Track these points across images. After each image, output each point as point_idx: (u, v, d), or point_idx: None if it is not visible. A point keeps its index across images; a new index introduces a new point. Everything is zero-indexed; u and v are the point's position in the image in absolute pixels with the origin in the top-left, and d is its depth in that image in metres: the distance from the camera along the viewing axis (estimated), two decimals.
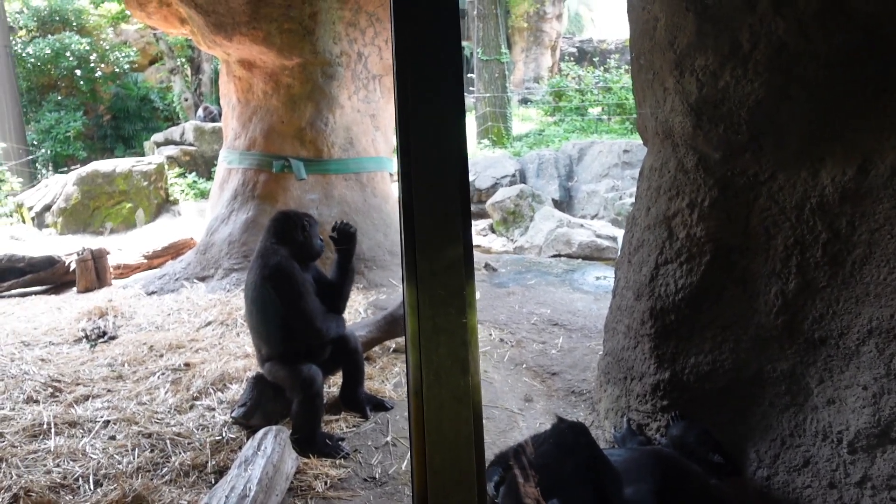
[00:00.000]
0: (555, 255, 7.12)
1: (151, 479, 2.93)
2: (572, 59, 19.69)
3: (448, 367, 1.41)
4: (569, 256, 7.03)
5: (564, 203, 9.38)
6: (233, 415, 3.38)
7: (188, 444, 3.23)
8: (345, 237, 3.46)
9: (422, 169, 1.44)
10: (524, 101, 17.05)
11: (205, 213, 7.36)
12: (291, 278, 3.27)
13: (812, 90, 2.36)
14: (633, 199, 8.26)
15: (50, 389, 3.70)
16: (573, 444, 1.98)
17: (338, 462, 3.15)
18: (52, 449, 3.10)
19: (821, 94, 2.36)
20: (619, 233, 7.65)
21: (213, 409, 3.54)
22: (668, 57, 2.71)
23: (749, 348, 2.71)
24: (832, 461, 2.43)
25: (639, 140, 10.07)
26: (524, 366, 4.19)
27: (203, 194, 10.12)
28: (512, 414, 3.63)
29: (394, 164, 7.23)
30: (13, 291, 5.78)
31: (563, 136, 12.33)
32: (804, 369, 2.56)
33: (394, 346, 4.37)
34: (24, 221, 9.95)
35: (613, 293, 3.48)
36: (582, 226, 7.52)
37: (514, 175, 9.75)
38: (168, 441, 3.22)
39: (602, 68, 15.43)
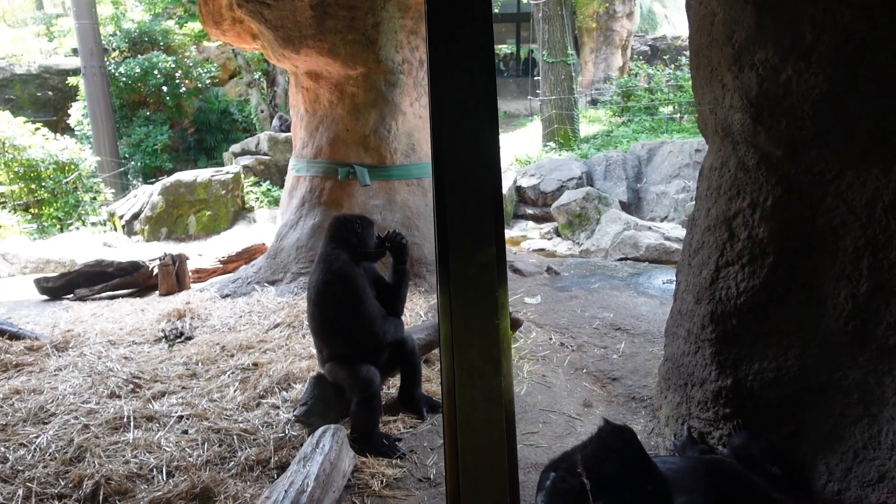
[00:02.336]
0: (621, 259, 6.97)
1: (218, 473, 3.08)
2: (644, 57, 19.21)
3: (480, 369, 1.42)
4: (636, 260, 6.86)
5: (632, 205, 9.15)
6: (294, 413, 3.50)
7: (253, 440, 3.37)
8: (396, 246, 3.53)
9: (454, 172, 1.46)
10: (593, 103, 16.77)
11: (277, 220, 7.65)
12: (351, 283, 3.36)
13: (882, 82, 2.23)
14: None
15: (131, 385, 3.95)
16: (617, 447, 1.94)
17: (394, 462, 3.21)
18: (130, 441, 3.31)
19: (892, 86, 2.22)
20: None
21: (278, 408, 3.68)
22: (726, 52, 2.62)
23: (817, 355, 2.58)
24: None
25: None
26: (584, 370, 4.13)
27: (276, 201, 10.53)
28: (570, 419, 3.59)
29: None
30: (103, 294, 6.21)
31: (632, 136, 12.04)
32: (878, 378, 2.41)
33: None
34: (115, 229, 10.67)
35: (675, 297, 3.39)
36: (650, 228, 7.32)
37: (580, 177, 9.61)
38: (235, 437, 3.38)
39: (673, 66, 14.96)
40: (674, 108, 13.23)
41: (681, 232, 7.39)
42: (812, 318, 2.58)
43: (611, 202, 8.37)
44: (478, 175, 1.47)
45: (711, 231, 2.88)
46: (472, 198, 1.46)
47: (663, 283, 5.66)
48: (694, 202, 8.00)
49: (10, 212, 10.73)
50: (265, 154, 12.12)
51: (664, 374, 3.35)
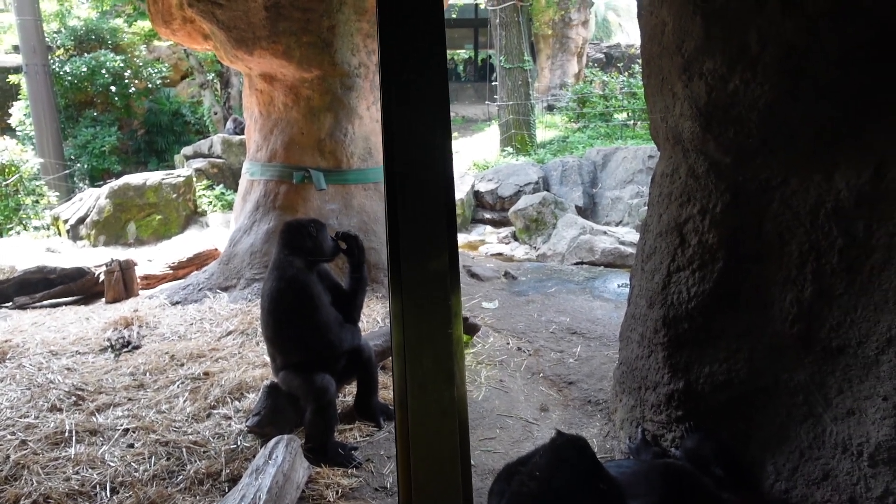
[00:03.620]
0: (577, 263, 7.06)
1: (166, 487, 2.97)
2: (598, 65, 19.56)
3: (433, 379, 1.40)
4: (592, 264, 6.96)
5: (588, 210, 9.29)
6: (247, 424, 3.41)
7: (203, 452, 3.27)
8: (350, 244, 3.48)
9: (406, 177, 1.44)
10: (549, 108, 16.98)
11: (230, 224, 7.48)
12: (306, 290, 3.29)
13: (823, 91, 2.30)
14: None
15: (73, 398, 3.79)
16: (571, 459, 1.94)
17: (349, 471, 3.16)
18: (72, 456, 3.17)
19: (833, 94, 2.29)
20: None
21: (230, 418, 3.58)
22: (676, 61, 2.67)
23: (765, 357, 2.64)
24: (852, 474, 2.34)
25: None
26: (541, 375, 4.15)
27: (230, 205, 10.31)
28: (527, 424, 3.60)
29: None
30: (45, 302, 5.95)
31: (588, 142, 12.23)
32: (822, 379, 2.48)
33: None
34: (60, 234, 10.26)
35: (629, 301, 3.43)
36: (605, 233, 7.43)
37: (537, 182, 9.70)
38: (184, 449, 3.27)
39: (627, 73, 15.28)
40: (628, 114, 13.51)
41: (635, 236, 7.53)
42: (760, 321, 2.64)
43: (567, 207, 8.48)
44: (430, 180, 1.45)
45: (663, 237, 2.93)
46: (423, 204, 1.44)
47: (618, 286, 5.75)
48: (647, 208, 8.18)
49: None
50: (219, 157, 11.87)
51: (619, 378, 3.39)
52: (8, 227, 10.48)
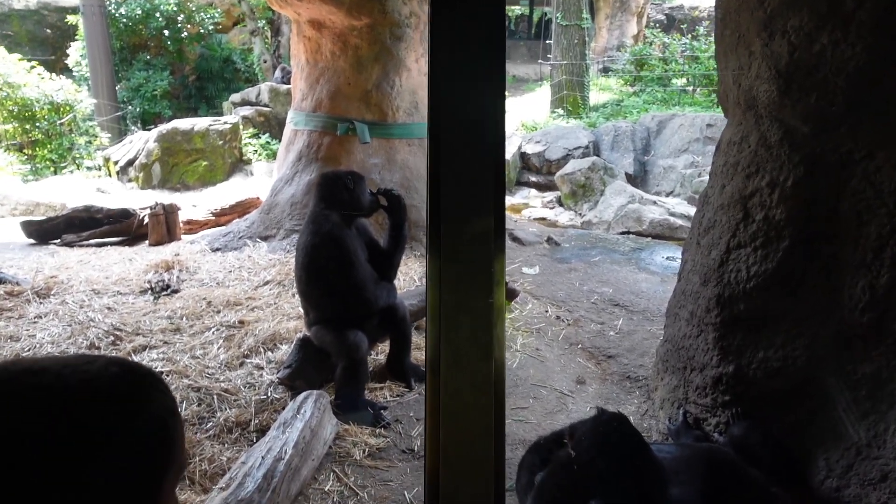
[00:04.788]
0: (623, 232, 6.81)
1: (195, 433, 2.98)
2: (660, 26, 18.67)
3: (468, 351, 1.28)
4: (638, 234, 6.71)
5: (638, 178, 8.94)
6: (278, 375, 3.39)
7: (234, 400, 3.27)
8: (393, 204, 3.36)
9: (452, 129, 1.29)
10: (604, 70, 16.35)
11: (273, 174, 7.46)
12: (342, 246, 3.20)
13: None
14: None
15: (112, 338, 3.83)
16: (615, 439, 1.82)
17: (377, 431, 3.11)
18: None
19: None
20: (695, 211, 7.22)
21: (262, 368, 3.57)
22: (756, 16, 2.41)
23: (828, 346, 2.44)
24: None
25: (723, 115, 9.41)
26: (579, 346, 4.01)
27: (274, 155, 10.30)
28: (561, 395, 3.48)
29: None
30: (91, 241, 6.06)
31: (643, 107, 11.73)
32: (891, 373, 2.28)
33: None
34: (110, 175, 10.46)
35: (679, 276, 3.24)
36: (655, 202, 7.14)
37: (587, 147, 9.37)
38: (215, 396, 3.27)
39: (690, 36, 14.52)
40: (687, 80, 12.86)
41: (686, 208, 7.22)
42: (825, 307, 2.43)
43: (616, 174, 8.17)
44: (479, 135, 1.30)
45: (725, 210, 2.72)
46: (470, 160, 1.30)
47: (666, 259, 5.51)
48: (702, 178, 7.79)
49: (4, 151, 10.50)
50: (265, 105, 11.84)
51: (662, 356, 3.23)
52: (62, 165, 10.74)
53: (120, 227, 6.15)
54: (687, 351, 2.93)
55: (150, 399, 0.70)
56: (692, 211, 7.19)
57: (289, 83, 11.78)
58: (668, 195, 8.26)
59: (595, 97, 13.08)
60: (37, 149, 10.77)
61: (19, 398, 0.63)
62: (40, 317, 4.13)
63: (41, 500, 0.60)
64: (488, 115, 1.29)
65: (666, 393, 3.12)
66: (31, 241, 6.05)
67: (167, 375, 3.45)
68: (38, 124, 10.68)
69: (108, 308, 4.32)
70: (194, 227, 6.55)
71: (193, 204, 7.91)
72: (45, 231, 6.07)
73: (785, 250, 2.49)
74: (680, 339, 3.00)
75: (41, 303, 4.38)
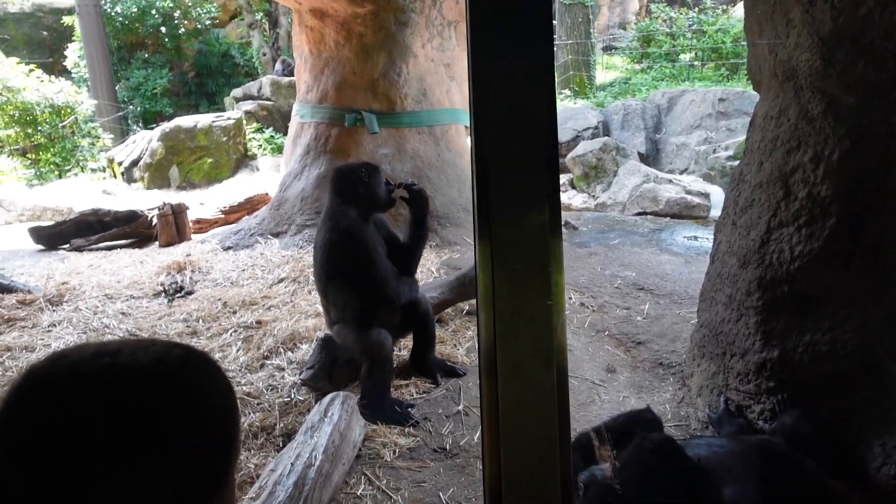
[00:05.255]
0: (640, 213, 6.67)
1: None
2: (665, 1, 18.36)
3: (528, 360, 1.17)
4: (655, 214, 6.57)
5: (651, 157, 8.77)
6: (301, 377, 3.30)
7: (257, 404, 3.18)
8: (414, 197, 3.24)
9: (499, 116, 1.17)
10: (608, 49, 16.08)
11: (280, 168, 7.34)
12: (361, 242, 3.09)
13: None
14: (728, 153, 7.58)
15: None
16: (663, 467, 1.71)
17: (406, 430, 3.02)
18: None
19: None
20: (712, 189, 7.07)
21: (283, 370, 3.48)
22: None
23: (879, 327, 2.32)
24: None
25: (736, 88, 9.22)
26: (606, 333, 3.90)
27: (279, 149, 10.18)
28: (592, 385, 3.38)
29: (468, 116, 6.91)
30: (100, 245, 5.98)
31: (651, 84, 11.51)
32: None
33: (467, 307, 4.17)
34: (115, 176, 10.37)
35: (712, 258, 3.12)
36: (671, 181, 6.99)
37: (596, 127, 9.20)
38: (238, 401, 3.18)
39: (697, 9, 14.23)
40: (696, 54, 12.62)
41: (703, 185, 7.07)
42: (877, 286, 2.31)
43: (629, 153, 8.01)
44: (529, 120, 1.17)
45: (763, 188, 2.59)
46: (521, 149, 1.17)
47: (687, 239, 5.38)
48: (716, 154, 7.62)
49: (7, 156, 10.43)
50: (268, 99, 11.70)
51: (698, 342, 3.12)
52: (66, 168, 10.65)
53: (129, 229, 6.06)
54: (726, 336, 2.82)
55: (217, 377, 0.71)
56: (709, 188, 7.05)
57: (290, 76, 11.63)
58: (682, 173, 8.10)
59: (601, 76, 12.86)
60: (40, 153, 10.68)
61: (99, 379, 0.62)
62: (54, 325, 4.05)
63: (128, 477, 0.60)
64: (538, 98, 1.17)
65: (704, 380, 3.01)
66: (40, 246, 5.97)
67: None
68: (39, 128, 10.59)
69: (123, 313, 4.24)
70: (204, 225, 6.45)
71: (201, 202, 7.82)
72: (54, 236, 5.99)
73: (831, 228, 2.37)
74: (718, 323, 2.89)
75: (54, 310, 4.30)
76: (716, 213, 6.53)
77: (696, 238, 5.37)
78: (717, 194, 6.87)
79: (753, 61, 2.79)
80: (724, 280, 2.86)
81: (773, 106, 2.59)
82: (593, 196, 7.61)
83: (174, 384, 0.66)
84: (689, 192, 6.74)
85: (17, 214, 7.84)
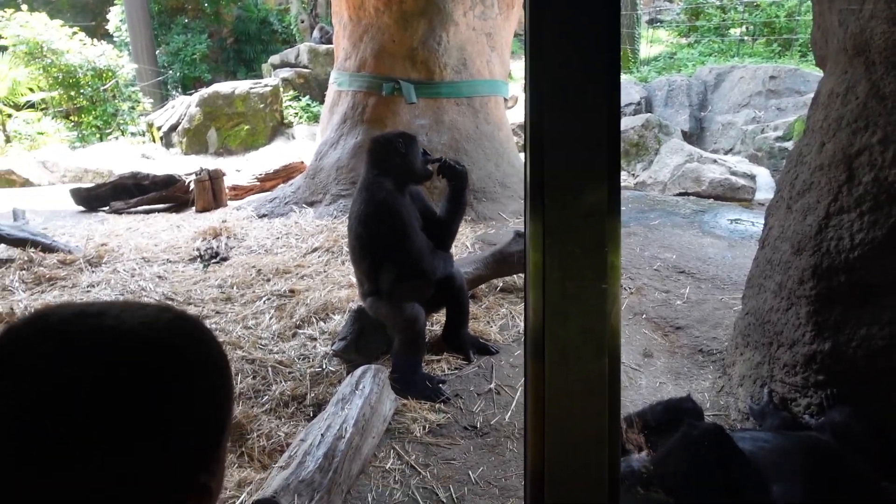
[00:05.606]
0: (681, 194, 6.47)
1: (252, 407, 2.90)
2: None
3: (579, 347, 1.09)
4: (697, 195, 6.36)
5: (695, 135, 8.49)
6: (332, 348, 3.28)
7: (289, 373, 3.18)
8: (452, 170, 3.16)
9: (558, 81, 1.08)
10: (653, 22, 15.56)
11: (316, 137, 7.31)
12: (397, 215, 3.03)
13: None
14: (777, 133, 7.27)
15: None
16: (712, 459, 1.63)
17: (437, 406, 2.99)
18: None
19: None
20: (758, 171, 6.81)
21: (315, 339, 3.47)
22: None
23: None
24: None
25: (789, 65, 8.81)
26: (644, 316, 3.80)
27: (315, 117, 10.15)
28: (628, 370, 3.29)
29: (509, 89, 6.75)
30: (139, 208, 6.05)
31: (698, 59, 11.10)
32: None
33: (501, 284, 4.10)
34: (154, 141, 10.49)
35: (762, 243, 2.98)
36: (715, 161, 6.75)
37: (639, 103, 8.93)
38: (270, 369, 3.19)
39: None
40: (747, 28, 12.09)
41: (749, 167, 6.81)
42: None
43: (672, 131, 7.76)
44: (591, 87, 1.08)
45: (824, 170, 2.44)
46: (580, 118, 1.08)
47: (730, 222, 5.20)
48: (765, 134, 7.32)
49: (52, 118, 10.61)
50: (305, 67, 11.64)
51: (742, 329, 3.00)
52: (107, 131, 10.81)
53: (166, 194, 6.11)
54: (774, 325, 2.69)
55: (211, 346, 0.66)
56: (755, 170, 6.79)
57: (328, 43, 11.54)
58: (727, 153, 7.82)
59: (645, 50, 12.46)
60: (82, 115, 10.85)
61: (81, 342, 0.56)
62: (93, 286, 4.11)
63: (108, 451, 0.54)
64: (603, 66, 1.07)
65: (747, 369, 2.90)
66: (81, 208, 6.07)
67: None
68: (82, 91, 10.73)
69: (159, 277, 4.28)
70: (240, 192, 6.48)
71: (237, 169, 7.85)
72: (94, 198, 6.08)
73: None
74: (765, 312, 2.76)
75: (93, 271, 4.37)
76: (761, 195, 6.30)
77: (740, 221, 5.18)
78: (764, 176, 6.62)
79: (819, 33, 2.62)
80: (775, 267, 2.73)
81: (839, 82, 2.42)
82: (633, 174, 7.41)
83: (163, 351, 0.59)
84: (733, 174, 6.51)
85: (60, 175, 7.98)
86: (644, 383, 3.19)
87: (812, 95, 2.74)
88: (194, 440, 0.61)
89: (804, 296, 2.51)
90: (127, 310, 0.61)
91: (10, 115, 10.32)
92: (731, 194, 6.35)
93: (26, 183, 8.04)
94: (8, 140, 10.16)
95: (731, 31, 12.24)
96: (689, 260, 4.43)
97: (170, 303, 3.83)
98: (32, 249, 4.55)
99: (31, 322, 0.58)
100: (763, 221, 3.12)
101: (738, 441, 1.97)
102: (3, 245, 4.75)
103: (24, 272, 4.26)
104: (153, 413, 0.56)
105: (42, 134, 10.15)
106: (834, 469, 1.92)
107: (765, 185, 6.43)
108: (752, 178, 6.48)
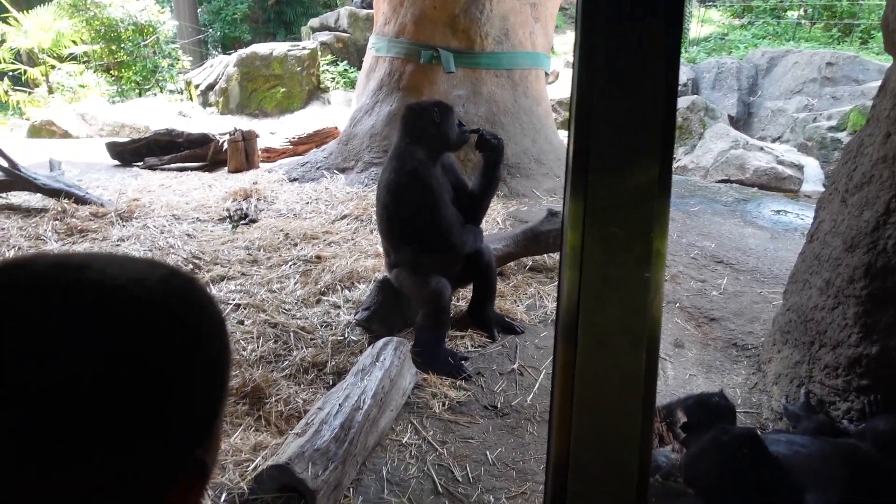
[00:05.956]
0: (723, 181, 6.25)
1: (271, 371, 2.88)
2: None
3: (615, 338, 1.01)
4: (740, 183, 6.13)
5: (742, 121, 8.18)
6: (356, 317, 3.24)
7: (311, 339, 3.16)
8: (490, 148, 3.06)
9: (611, 50, 0.98)
10: (704, 1, 14.98)
11: (352, 103, 7.22)
12: (427, 186, 2.95)
13: None
14: (830, 122, 6.95)
15: (191, 266, 3.78)
16: (743, 465, 1.53)
17: (458, 383, 2.93)
18: None
19: None
20: (807, 161, 6.53)
21: (339, 307, 3.43)
22: None
23: None
24: None
25: (848, 52, 8.42)
26: (677, 305, 3.67)
27: (352, 83, 10.05)
28: (659, 359, 3.18)
29: (551, 62, 6.55)
30: (172, 165, 6.06)
31: (751, 42, 10.65)
32: None
33: (531, 263, 4.00)
34: (191, 99, 10.52)
35: (810, 237, 2.83)
36: (761, 149, 6.50)
37: (685, 84, 8.62)
38: (292, 334, 3.16)
39: None
40: (805, 11, 11.55)
41: (797, 156, 6.54)
42: None
43: (718, 115, 7.47)
44: (647, 57, 0.98)
45: (888, 163, 2.27)
46: (634, 91, 0.98)
47: (774, 213, 4.99)
48: (817, 123, 7.00)
49: (93, 72, 10.71)
50: (344, 31, 11.50)
51: (782, 326, 2.86)
52: (146, 87, 10.87)
53: (200, 152, 6.11)
54: (817, 324, 2.56)
55: (207, 308, 0.57)
56: (804, 160, 6.51)
57: (368, 8, 11.36)
58: (774, 141, 7.52)
59: (694, 30, 12.01)
60: (122, 70, 10.92)
61: (60, 300, 0.48)
62: (123, 240, 4.13)
63: (89, 423, 0.46)
64: (661, 36, 0.97)
65: (783, 368, 2.77)
66: (116, 162, 6.11)
67: (244, 308, 3.37)
68: (122, 45, 10.78)
69: (188, 235, 4.28)
70: (272, 154, 6.45)
71: (272, 131, 7.83)
72: (129, 153, 6.11)
73: None
74: (809, 309, 2.63)
75: (124, 225, 4.39)
76: (808, 187, 6.05)
77: (784, 212, 4.97)
78: (813, 167, 6.35)
79: (893, 15, 2.42)
80: (823, 263, 2.58)
81: None
82: (675, 158, 7.18)
83: (157, 312, 0.51)
84: (780, 163, 6.25)
85: (98, 129, 8.06)
86: (672, 374, 3.09)
87: (872, 84, 2.56)
88: (190, 414, 0.53)
89: (854, 295, 2.37)
90: (113, 263, 0.53)
91: (53, 67, 10.44)
92: (777, 184, 6.10)
93: (65, 135, 8.15)
94: (51, 91, 10.30)
95: (788, 13, 11.69)
96: (729, 250, 4.27)
97: (196, 261, 3.83)
98: (66, 200, 4.59)
99: (5, 273, 0.50)
100: (811, 214, 2.96)
101: (773, 444, 1.87)
102: (38, 195, 4.81)
103: (57, 223, 4.31)
104: (142, 384, 0.48)
105: (83, 87, 10.26)
106: (874, 480, 1.81)
107: (813, 176, 6.17)
108: (800, 168, 6.22)
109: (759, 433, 1.75)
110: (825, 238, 2.61)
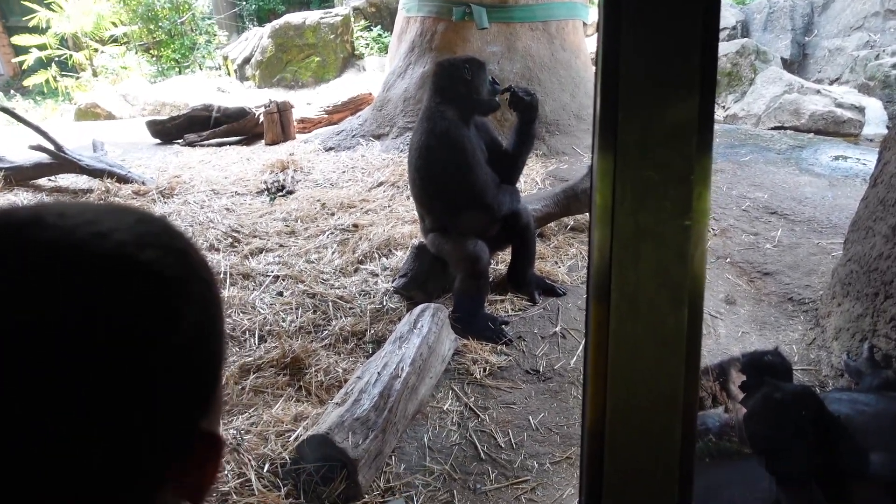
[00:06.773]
0: (777, 128, 5.91)
1: (311, 342, 2.88)
2: None
3: (652, 294, 0.91)
4: (795, 129, 5.79)
5: (797, 63, 7.70)
6: (393, 284, 3.21)
7: (349, 308, 3.14)
8: (523, 105, 2.92)
9: None
10: None
11: (385, 68, 7.11)
12: (460, 146, 2.85)
13: None
14: (895, 59, 6.46)
15: (230, 239, 3.80)
16: (799, 425, 1.42)
17: (498, 348, 2.87)
18: (226, 299, 3.17)
19: None
20: (868, 102, 6.10)
21: (377, 276, 3.40)
22: None
23: None
24: None
25: None
26: (728, 260, 3.50)
27: (387, 48, 9.88)
28: (708, 317, 3.05)
29: (589, 12, 6.27)
30: (212, 140, 6.11)
31: None
32: None
33: (572, 223, 3.88)
34: (229, 74, 10.58)
35: (873, 181, 2.63)
36: (818, 92, 6.10)
37: (734, 27, 8.15)
38: (330, 304, 3.15)
39: None
40: None
41: (857, 98, 6.12)
42: None
43: (770, 59, 7.04)
44: None
45: None
46: (669, 19, 0.86)
47: (833, 159, 4.70)
48: (879, 60, 6.53)
49: (134, 53, 10.85)
50: None
51: (842, 278, 2.69)
52: (185, 65, 10.97)
53: (238, 126, 6.13)
54: (882, 274, 2.38)
55: (191, 252, 0.49)
56: (865, 101, 6.09)
57: None
58: (832, 83, 7.06)
59: None
60: (161, 49, 11.03)
61: (33, 260, 0.41)
62: (164, 217, 4.18)
63: (80, 396, 0.40)
64: None
65: (844, 322, 2.61)
66: (157, 140, 6.19)
67: (283, 280, 3.37)
68: (160, 24, 10.87)
69: (227, 209, 4.30)
70: (308, 125, 6.42)
71: (308, 102, 7.79)
72: (169, 131, 6.17)
73: None
74: (872, 259, 2.45)
75: (165, 202, 4.45)
76: (871, 130, 5.67)
77: (844, 158, 4.67)
78: (875, 109, 5.93)
79: None
80: (889, 207, 2.39)
81: None
82: (723, 107, 6.82)
83: (125, 266, 0.44)
84: (839, 105, 5.86)
85: (140, 108, 8.19)
86: (724, 332, 2.96)
87: None
88: (187, 382, 0.47)
89: None
90: (70, 212, 0.45)
91: (96, 51, 10.62)
92: (835, 128, 5.73)
93: (109, 116, 8.31)
94: (95, 74, 10.50)
95: None
96: (783, 200, 4.04)
97: (235, 234, 3.85)
98: (109, 180, 4.68)
99: None
100: (874, 158, 2.74)
101: (835, 403, 1.75)
102: (84, 176, 4.91)
103: (101, 202, 4.38)
104: (140, 353, 0.43)
105: (125, 68, 10.42)
106: None
107: (876, 118, 5.77)
108: (861, 110, 5.81)
109: (819, 391, 1.63)
110: (891, 181, 2.41)
